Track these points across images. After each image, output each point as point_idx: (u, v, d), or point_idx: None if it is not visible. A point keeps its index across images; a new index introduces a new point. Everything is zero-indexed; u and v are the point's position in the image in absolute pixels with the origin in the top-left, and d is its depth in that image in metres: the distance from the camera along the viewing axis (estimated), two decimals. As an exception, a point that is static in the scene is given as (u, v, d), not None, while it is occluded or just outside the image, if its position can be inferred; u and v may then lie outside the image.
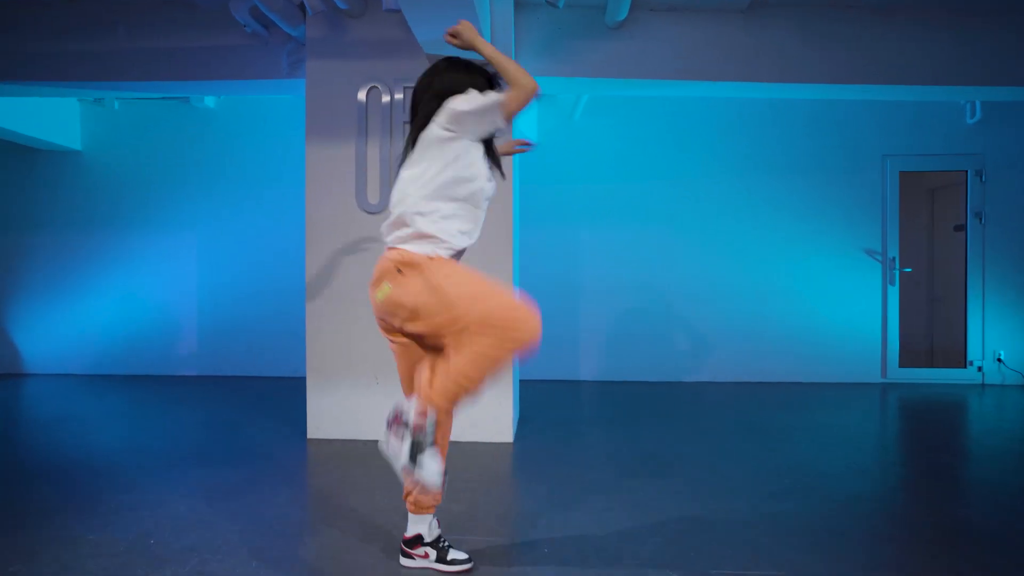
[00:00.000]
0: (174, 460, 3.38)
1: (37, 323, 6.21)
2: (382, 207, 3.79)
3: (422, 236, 1.92)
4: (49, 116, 5.84)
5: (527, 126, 5.72)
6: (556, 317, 5.78)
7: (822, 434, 3.96)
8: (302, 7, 3.80)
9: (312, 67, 3.85)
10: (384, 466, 3.27)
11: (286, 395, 5.04)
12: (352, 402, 3.84)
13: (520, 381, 4.80)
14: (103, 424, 4.22)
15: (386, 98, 3.81)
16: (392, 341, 2.07)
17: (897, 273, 5.69)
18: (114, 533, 2.40)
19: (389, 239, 2.01)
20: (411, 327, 1.94)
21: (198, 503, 2.73)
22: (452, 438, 2.31)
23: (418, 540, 2.12)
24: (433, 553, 2.11)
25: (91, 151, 6.21)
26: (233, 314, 6.04)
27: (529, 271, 5.53)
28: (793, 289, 5.74)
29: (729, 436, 3.92)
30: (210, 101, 5.93)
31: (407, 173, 1.98)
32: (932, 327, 6.69)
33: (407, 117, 3.76)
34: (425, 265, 1.89)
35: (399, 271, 1.92)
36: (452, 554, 2.12)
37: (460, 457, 3.29)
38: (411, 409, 1.85)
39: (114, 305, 6.15)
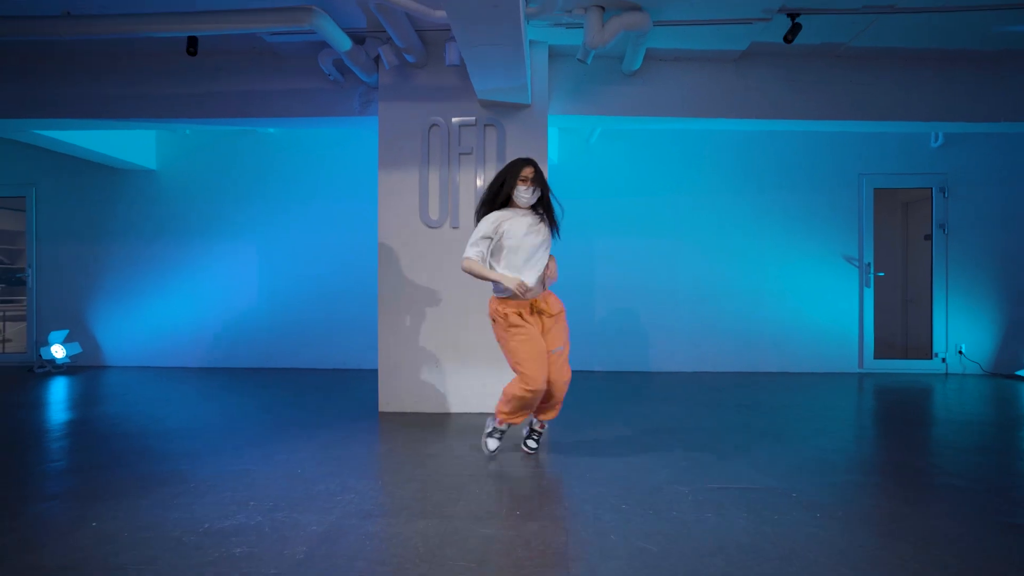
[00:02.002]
0: (280, 425, 4.23)
1: (116, 321, 7.07)
2: (441, 222, 4.66)
3: None
4: (128, 140, 6.72)
5: (549, 149, 6.58)
6: (573, 315, 6.63)
7: (800, 410, 4.81)
8: (377, 60, 4.67)
9: (384, 108, 4.72)
10: (444, 429, 4.11)
11: (347, 382, 5.90)
12: (416, 382, 4.69)
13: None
14: (203, 403, 5.07)
15: (444, 132, 4.67)
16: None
17: (872, 277, 6.54)
18: (268, 468, 3.25)
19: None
20: None
21: (318, 451, 3.58)
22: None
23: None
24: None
25: (165, 170, 7.09)
26: (290, 313, 6.90)
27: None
28: (781, 290, 6.60)
29: (722, 410, 4.76)
30: (272, 128, 6.80)
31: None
32: (907, 325, 7.55)
33: (463, 149, 4.66)
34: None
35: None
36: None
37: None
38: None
39: (184, 305, 7.02)
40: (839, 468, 3.30)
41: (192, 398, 5.24)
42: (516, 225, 3.24)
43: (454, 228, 4.66)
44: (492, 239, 3.23)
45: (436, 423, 4.34)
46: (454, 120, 4.67)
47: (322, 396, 5.28)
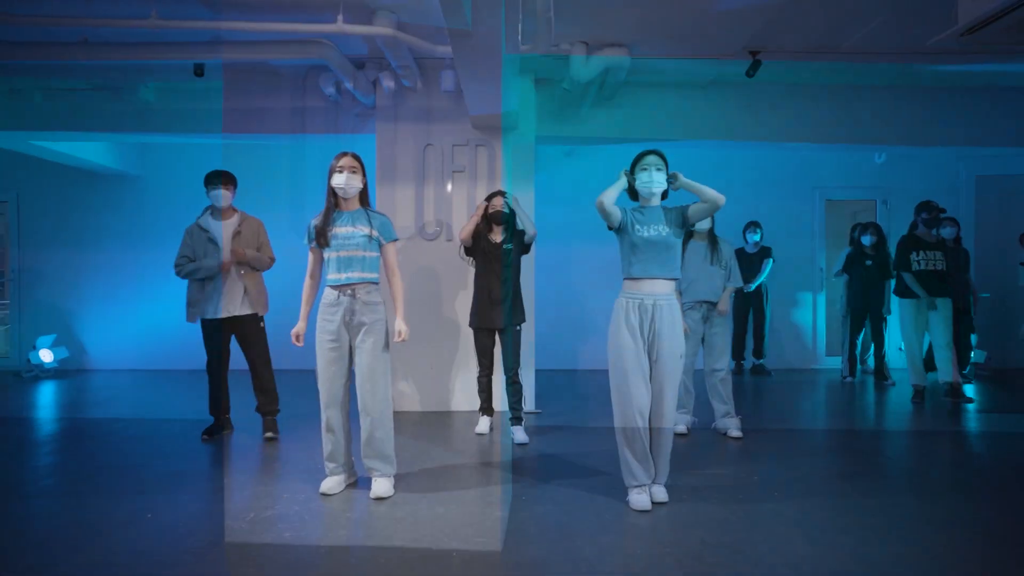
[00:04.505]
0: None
1: (102, 325, 7.16)
2: (435, 235, 5.01)
3: None
4: (112, 145, 6.80)
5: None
6: (559, 321, 7.05)
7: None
8: (375, 83, 4.97)
9: (381, 128, 5.04)
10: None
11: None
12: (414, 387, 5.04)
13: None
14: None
15: (439, 153, 5.02)
16: None
17: (824, 280, 7.18)
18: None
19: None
20: None
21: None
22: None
23: None
24: None
25: (149, 176, 7.20)
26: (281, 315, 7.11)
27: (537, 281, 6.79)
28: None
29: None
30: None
31: None
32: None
33: (456, 167, 5.01)
34: None
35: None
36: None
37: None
38: None
39: (169, 309, 7.11)
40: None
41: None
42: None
43: (448, 241, 5.02)
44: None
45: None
46: (448, 141, 5.02)
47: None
